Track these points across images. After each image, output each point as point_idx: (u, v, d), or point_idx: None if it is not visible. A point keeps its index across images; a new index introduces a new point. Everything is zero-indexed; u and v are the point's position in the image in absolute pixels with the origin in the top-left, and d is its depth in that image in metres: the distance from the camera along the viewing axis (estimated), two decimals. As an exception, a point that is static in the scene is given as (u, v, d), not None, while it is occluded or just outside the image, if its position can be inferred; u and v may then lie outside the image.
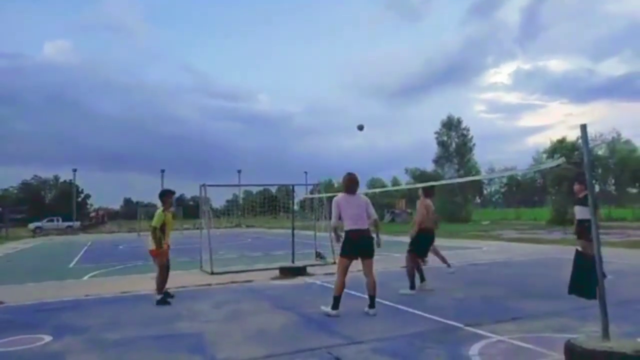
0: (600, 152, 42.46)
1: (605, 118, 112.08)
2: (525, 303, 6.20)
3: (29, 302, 7.50)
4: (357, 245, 5.88)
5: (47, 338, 5.20)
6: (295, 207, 17.13)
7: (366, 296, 6.07)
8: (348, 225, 5.93)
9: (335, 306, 5.83)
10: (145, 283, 9.06)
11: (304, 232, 16.63)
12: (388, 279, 8.42)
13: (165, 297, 7.04)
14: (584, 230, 7.26)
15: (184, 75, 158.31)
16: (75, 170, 55.98)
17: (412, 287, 7.25)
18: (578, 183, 7.78)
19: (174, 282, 9.14)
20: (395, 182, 57.83)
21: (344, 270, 5.96)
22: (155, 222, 7.10)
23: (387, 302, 6.46)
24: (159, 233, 7.08)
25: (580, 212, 7.54)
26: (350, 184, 6.18)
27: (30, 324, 6.00)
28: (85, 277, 10.73)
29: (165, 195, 7.43)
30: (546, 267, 9.92)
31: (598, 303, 3.80)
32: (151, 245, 7.13)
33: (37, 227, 42.61)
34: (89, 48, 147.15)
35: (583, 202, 7.70)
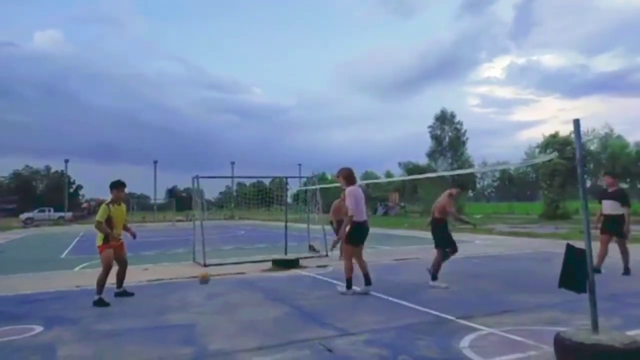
0: (592, 147, 42.76)
1: (598, 113, 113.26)
2: (517, 296, 6.25)
3: (19, 293, 7.45)
4: (365, 235, 6.73)
5: (38, 329, 5.18)
6: (289, 200, 17.14)
7: (356, 288, 6.24)
8: (360, 217, 6.59)
9: (349, 286, 6.59)
10: (136, 275, 9.03)
11: (297, 224, 16.65)
12: (379, 272, 8.44)
13: (103, 299, 6.40)
14: (617, 224, 7.71)
15: (177, 67, 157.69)
16: (67, 161, 55.48)
17: (434, 277, 7.26)
18: (611, 177, 7.95)
19: (166, 273, 9.14)
20: (388, 176, 57.93)
21: (352, 256, 6.70)
22: (99, 216, 6.60)
23: (379, 295, 6.49)
24: (106, 228, 6.57)
25: (609, 207, 7.85)
26: (354, 176, 6.84)
27: (21, 314, 5.97)
28: (77, 268, 10.68)
29: (115, 187, 6.88)
30: (537, 261, 9.99)
31: (588, 297, 3.83)
32: (98, 240, 6.62)
33: (28, 218, 42.32)
34: (81, 39, 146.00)
35: (613, 196, 7.91)
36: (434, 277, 7.21)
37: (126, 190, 7.21)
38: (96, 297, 6.40)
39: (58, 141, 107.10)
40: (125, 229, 7.13)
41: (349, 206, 6.52)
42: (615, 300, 5.84)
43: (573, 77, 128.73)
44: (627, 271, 7.73)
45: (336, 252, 9.98)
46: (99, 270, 6.60)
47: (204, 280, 7.06)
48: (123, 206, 6.99)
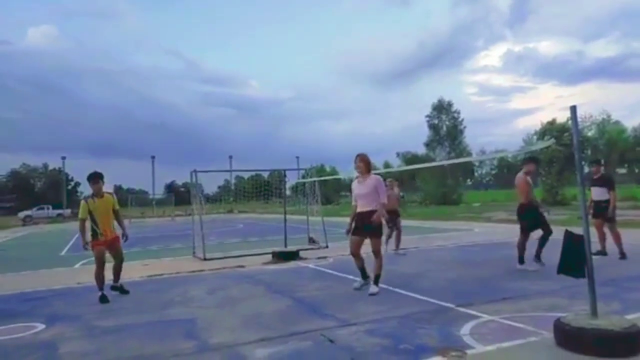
0: (589, 134, 42.78)
1: (595, 99, 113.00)
2: (516, 283, 6.27)
3: (20, 291, 7.46)
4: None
5: (40, 326, 5.19)
6: (288, 192, 17.13)
7: (357, 278, 6.32)
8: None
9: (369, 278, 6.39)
10: (136, 270, 9.05)
11: (296, 216, 16.67)
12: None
13: (105, 294, 6.41)
14: (606, 210, 8.02)
15: (173, 61, 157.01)
16: (64, 158, 55.39)
17: (522, 260, 7.30)
18: (595, 164, 8.31)
19: (167, 268, 9.16)
20: (387, 166, 57.87)
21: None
22: (80, 213, 6.44)
23: (380, 285, 6.50)
24: (91, 224, 6.42)
25: (597, 193, 8.17)
26: None
27: (22, 312, 5.99)
28: (77, 265, 10.70)
29: (90, 180, 6.56)
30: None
31: (587, 282, 3.85)
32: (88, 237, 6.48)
33: (26, 216, 42.30)
34: (75, 34, 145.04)
35: (600, 183, 8.24)
36: (523, 261, 7.25)
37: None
38: (99, 293, 6.41)
39: (55, 138, 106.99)
40: (119, 224, 6.87)
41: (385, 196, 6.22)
42: (614, 285, 5.86)
43: (570, 63, 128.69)
44: (622, 256, 7.80)
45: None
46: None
47: None
48: (107, 198, 6.63)
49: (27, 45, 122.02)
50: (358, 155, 6.26)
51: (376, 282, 6.05)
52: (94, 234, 6.48)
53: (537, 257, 7.27)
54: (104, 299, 6.34)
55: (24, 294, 7.21)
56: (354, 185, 6.33)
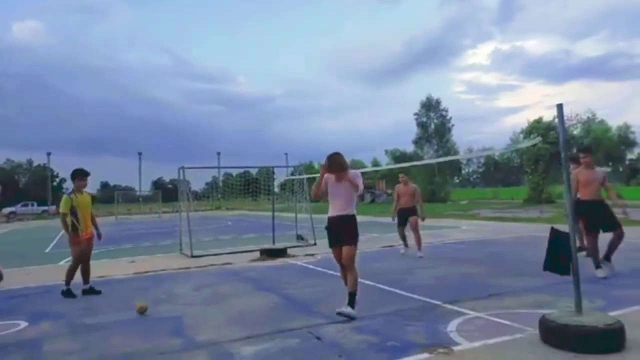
0: (575, 132, 43.31)
1: (581, 98, 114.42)
2: (502, 280, 6.33)
3: (3, 289, 7.33)
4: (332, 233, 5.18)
5: (23, 324, 5.11)
6: (276, 190, 17.09)
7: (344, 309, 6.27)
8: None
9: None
10: (122, 267, 8.97)
11: (284, 214, 16.63)
12: (366, 260, 8.49)
13: (71, 289, 6.47)
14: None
15: (161, 58, 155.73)
16: (49, 154, 54.73)
17: (598, 265, 6.27)
18: (572, 162, 7.69)
19: (153, 265, 9.08)
20: (375, 164, 58.04)
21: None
22: (61, 207, 6.45)
23: (367, 282, 6.51)
24: (72, 219, 6.43)
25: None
26: None
27: (5, 309, 5.89)
28: (62, 262, 10.54)
29: (75, 176, 6.63)
30: (522, 245, 10.13)
31: (572, 279, 3.89)
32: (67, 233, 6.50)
33: (11, 212, 41.69)
34: (62, 29, 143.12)
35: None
36: (599, 266, 6.25)
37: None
38: (64, 288, 6.46)
39: (40, 134, 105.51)
40: (94, 224, 6.82)
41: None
42: (598, 282, 5.94)
43: (557, 62, 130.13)
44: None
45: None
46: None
47: (142, 312, 5.46)
48: (87, 195, 6.71)
49: (11, 40, 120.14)
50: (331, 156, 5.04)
51: (351, 303, 4.75)
52: (75, 229, 6.47)
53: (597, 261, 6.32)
54: (69, 294, 6.41)
55: (7, 292, 7.09)
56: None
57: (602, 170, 6.68)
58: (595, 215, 6.33)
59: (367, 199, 44.70)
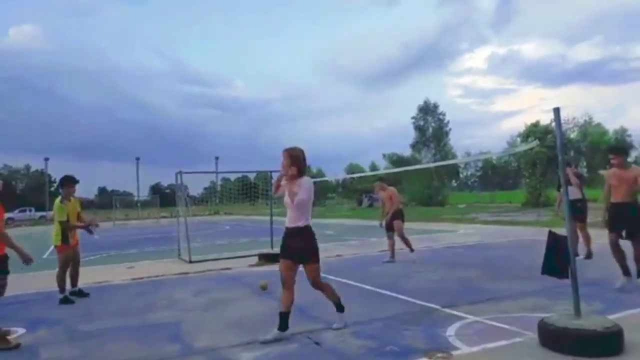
0: (572, 136, 43.47)
1: (578, 102, 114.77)
2: (500, 284, 6.33)
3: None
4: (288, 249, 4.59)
5: (21, 331, 5.09)
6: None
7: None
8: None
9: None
10: (120, 273, 8.94)
11: (283, 218, 16.63)
12: (365, 264, 8.49)
13: (77, 297, 6.63)
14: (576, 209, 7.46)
15: (158, 62, 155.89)
16: (47, 159, 54.50)
17: (626, 272, 5.77)
18: (567, 166, 7.28)
19: (151, 271, 9.05)
20: (373, 168, 58.16)
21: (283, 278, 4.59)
22: (59, 216, 6.50)
23: (365, 286, 6.51)
24: (66, 226, 6.52)
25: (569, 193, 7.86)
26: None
27: (3, 316, 5.84)
28: (60, 268, 10.51)
29: (64, 183, 6.73)
30: (520, 249, 10.14)
31: (570, 282, 3.90)
32: (56, 239, 6.53)
33: (8, 218, 41.48)
34: (59, 34, 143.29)
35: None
36: (627, 273, 5.76)
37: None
38: (61, 296, 6.45)
39: (38, 139, 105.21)
40: (83, 222, 6.91)
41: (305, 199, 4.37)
42: (596, 285, 5.94)
43: (553, 66, 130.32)
44: (588, 256, 7.99)
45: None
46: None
47: (264, 288, 6.35)
48: (75, 202, 6.80)
49: (8, 44, 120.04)
50: (285, 150, 4.43)
51: (340, 309, 4.63)
52: (64, 237, 6.50)
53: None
54: (68, 300, 6.41)
55: (4, 298, 7.01)
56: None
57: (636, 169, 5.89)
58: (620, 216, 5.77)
59: (364, 203, 44.76)
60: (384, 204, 9.32)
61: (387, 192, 9.18)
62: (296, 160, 4.36)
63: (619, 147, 7.06)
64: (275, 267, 8.89)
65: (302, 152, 4.45)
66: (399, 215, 9.00)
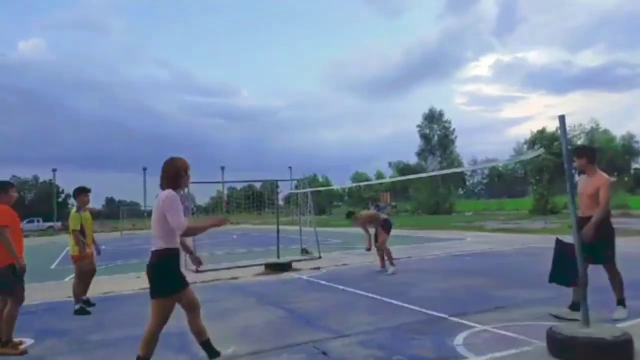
0: (579, 142, 43.27)
1: (583, 108, 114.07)
2: (508, 292, 6.29)
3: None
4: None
5: (29, 341, 5.11)
6: (281, 203, 17.10)
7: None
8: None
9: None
10: (128, 283, 8.97)
11: (289, 227, 16.62)
12: (371, 272, 8.47)
13: (85, 306, 6.64)
14: None
15: (163, 72, 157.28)
16: (55, 170, 55.01)
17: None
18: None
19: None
20: (379, 176, 58.10)
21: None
22: (74, 224, 6.55)
23: (372, 295, 6.49)
24: (80, 236, 6.57)
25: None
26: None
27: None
28: (67, 279, 10.55)
29: (78, 193, 6.82)
30: (528, 257, 10.07)
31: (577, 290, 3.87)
32: (73, 249, 6.62)
33: (17, 229, 41.75)
34: (65, 46, 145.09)
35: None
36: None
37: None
38: (77, 307, 6.49)
39: (45, 150, 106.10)
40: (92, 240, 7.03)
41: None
42: (604, 293, 5.88)
43: (558, 73, 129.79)
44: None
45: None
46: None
47: None
48: (88, 212, 6.88)
49: (17, 57, 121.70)
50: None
51: (213, 352, 3.92)
52: (82, 246, 6.58)
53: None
54: (83, 312, 6.44)
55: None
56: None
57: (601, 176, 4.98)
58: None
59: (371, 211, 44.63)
60: (366, 230, 9.21)
61: (361, 220, 9.14)
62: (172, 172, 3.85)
63: (582, 147, 5.81)
64: (280, 277, 8.94)
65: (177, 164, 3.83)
66: (385, 226, 8.94)
